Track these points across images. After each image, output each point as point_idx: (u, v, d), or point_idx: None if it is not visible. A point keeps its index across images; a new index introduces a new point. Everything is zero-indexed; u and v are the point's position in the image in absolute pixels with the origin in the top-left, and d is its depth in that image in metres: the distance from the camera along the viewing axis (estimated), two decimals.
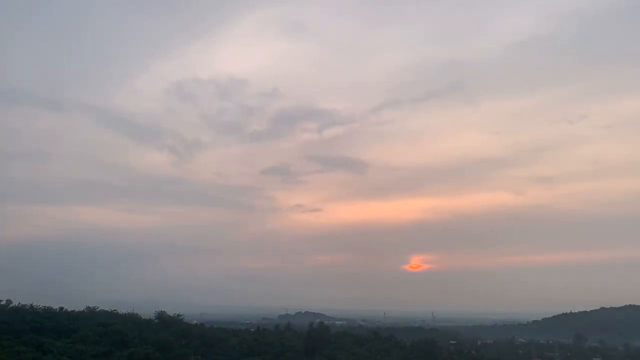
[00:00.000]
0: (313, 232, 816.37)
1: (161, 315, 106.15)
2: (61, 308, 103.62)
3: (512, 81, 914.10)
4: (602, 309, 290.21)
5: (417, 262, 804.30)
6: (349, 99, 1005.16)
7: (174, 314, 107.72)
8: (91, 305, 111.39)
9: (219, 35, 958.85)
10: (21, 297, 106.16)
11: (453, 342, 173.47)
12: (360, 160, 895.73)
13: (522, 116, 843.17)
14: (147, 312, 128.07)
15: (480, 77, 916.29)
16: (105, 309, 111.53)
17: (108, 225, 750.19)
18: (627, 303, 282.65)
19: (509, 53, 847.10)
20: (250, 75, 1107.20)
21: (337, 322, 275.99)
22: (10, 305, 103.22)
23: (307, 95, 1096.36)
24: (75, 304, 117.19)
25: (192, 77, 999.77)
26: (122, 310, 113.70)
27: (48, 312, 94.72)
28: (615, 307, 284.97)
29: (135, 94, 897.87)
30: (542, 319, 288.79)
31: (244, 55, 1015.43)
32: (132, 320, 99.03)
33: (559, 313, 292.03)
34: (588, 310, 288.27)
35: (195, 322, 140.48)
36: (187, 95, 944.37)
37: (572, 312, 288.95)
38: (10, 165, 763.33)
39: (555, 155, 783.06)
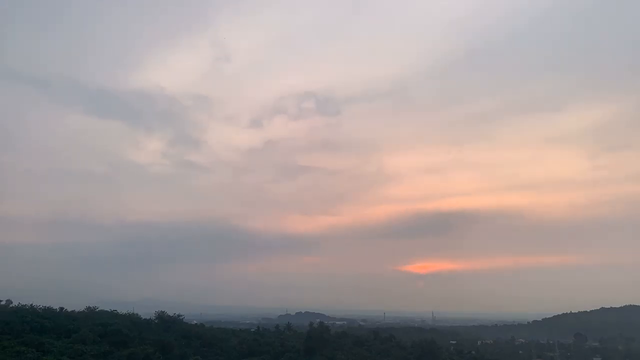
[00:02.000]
0: (314, 231, 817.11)
1: (161, 315, 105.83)
2: (61, 308, 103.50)
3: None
4: (602, 309, 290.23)
5: (419, 263, 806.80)
6: None
7: (174, 314, 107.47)
8: (91, 305, 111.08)
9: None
10: (21, 297, 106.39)
11: (453, 342, 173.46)
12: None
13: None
14: (147, 312, 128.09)
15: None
16: (105, 309, 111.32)
17: (107, 224, 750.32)
18: (627, 303, 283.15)
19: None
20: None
21: (337, 322, 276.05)
22: (10, 305, 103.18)
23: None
24: (75, 304, 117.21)
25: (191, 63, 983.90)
26: (122, 310, 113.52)
27: (48, 312, 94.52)
28: (615, 307, 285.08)
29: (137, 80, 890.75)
30: (542, 319, 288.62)
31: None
32: (132, 320, 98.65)
33: (559, 313, 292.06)
34: (588, 310, 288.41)
35: (195, 322, 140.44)
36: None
37: (572, 312, 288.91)
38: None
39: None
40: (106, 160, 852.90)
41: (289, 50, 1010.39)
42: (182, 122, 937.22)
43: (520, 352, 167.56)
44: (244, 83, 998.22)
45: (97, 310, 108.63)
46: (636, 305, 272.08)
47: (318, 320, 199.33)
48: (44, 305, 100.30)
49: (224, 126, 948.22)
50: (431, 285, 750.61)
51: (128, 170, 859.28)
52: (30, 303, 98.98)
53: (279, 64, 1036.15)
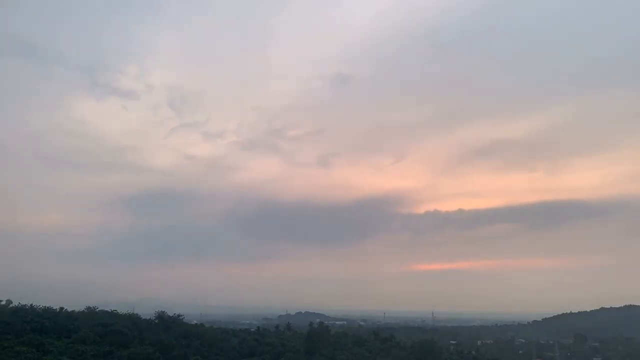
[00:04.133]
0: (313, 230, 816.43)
1: (161, 316, 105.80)
2: (61, 308, 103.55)
3: None
4: (602, 309, 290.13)
5: (419, 263, 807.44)
6: None
7: (174, 314, 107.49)
8: (91, 305, 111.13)
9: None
10: (21, 297, 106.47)
11: (453, 342, 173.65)
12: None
13: None
14: (147, 312, 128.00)
15: None
16: (105, 309, 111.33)
17: (107, 223, 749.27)
18: (627, 303, 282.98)
19: None
20: None
21: (337, 322, 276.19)
22: (10, 305, 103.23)
23: None
24: (75, 304, 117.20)
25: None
26: (122, 310, 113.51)
27: (48, 312, 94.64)
28: (615, 307, 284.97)
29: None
30: (542, 319, 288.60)
31: None
32: (132, 321, 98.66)
33: (559, 313, 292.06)
34: (588, 310, 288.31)
35: (195, 322, 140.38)
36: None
37: (572, 312, 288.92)
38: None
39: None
40: (103, 149, 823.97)
41: None
42: (182, 110, 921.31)
43: (520, 352, 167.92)
44: (242, 71, 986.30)
45: (97, 310, 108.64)
46: (636, 305, 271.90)
47: (318, 320, 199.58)
48: (44, 305, 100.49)
49: (225, 116, 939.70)
50: (431, 285, 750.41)
51: (126, 163, 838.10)
52: (30, 303, 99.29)
53: None
